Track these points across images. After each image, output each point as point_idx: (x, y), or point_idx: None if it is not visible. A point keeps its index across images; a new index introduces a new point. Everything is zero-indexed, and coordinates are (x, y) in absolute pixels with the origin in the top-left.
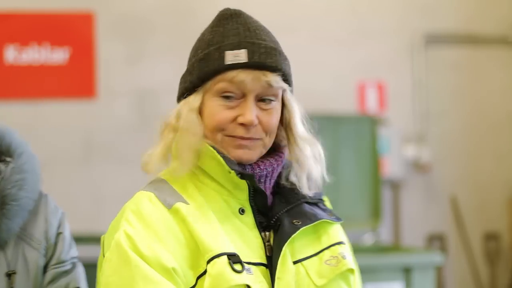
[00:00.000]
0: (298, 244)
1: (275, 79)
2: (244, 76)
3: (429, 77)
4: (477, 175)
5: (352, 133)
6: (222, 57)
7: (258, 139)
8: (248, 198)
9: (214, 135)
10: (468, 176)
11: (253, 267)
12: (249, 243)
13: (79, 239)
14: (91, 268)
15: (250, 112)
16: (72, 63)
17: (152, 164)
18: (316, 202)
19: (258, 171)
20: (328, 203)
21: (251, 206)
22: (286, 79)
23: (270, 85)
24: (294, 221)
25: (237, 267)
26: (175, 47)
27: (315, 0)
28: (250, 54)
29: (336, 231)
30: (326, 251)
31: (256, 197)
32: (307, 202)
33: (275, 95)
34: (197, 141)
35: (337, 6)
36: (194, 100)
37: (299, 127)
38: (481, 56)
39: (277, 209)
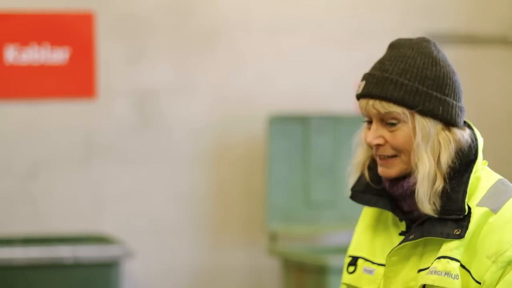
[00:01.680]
0: (427, 254)
1: (380, 106)
2: (361, 104)
3: None
4: None
5: (352, 133)
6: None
7: (392, 156)
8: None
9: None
10: None
11: (380, 268)
12: (392, 248)
13: (79, 239)
14: (91, 268)
15: (370, 134)
16: (72, 63)
17: None
18: (446, 218)
19: (394, 189)
20: (477, 214)
21: (403, 218)
22: (404, 104)
23: (378, 111)
24: (411, 236)
25: (350, 268)
26: (175, 47)
27: (315, 0)
28: (365, 85)
29: (447, 245)
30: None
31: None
32: (434, 218)
33: (395, 118)
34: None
35: (337, 6)
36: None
37: (418, 148)
38: (481, 56)
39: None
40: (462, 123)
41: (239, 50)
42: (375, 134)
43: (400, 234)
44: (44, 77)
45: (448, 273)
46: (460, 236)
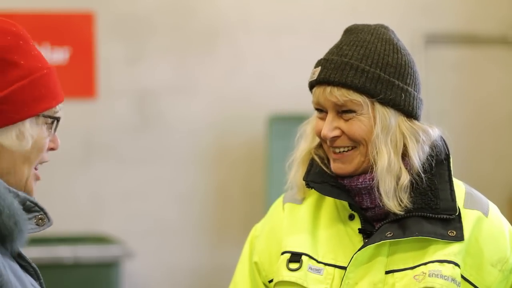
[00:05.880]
0: (399, 255)
1: (340, 93)
2: (317, 93)
3: (429, 77)
4: (477, 175)
5: None
6: (311, 74)
7: (348, 150)
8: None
9: (324, 144)
10: (467, 176)
11: (329, 269)
12: (346, 247)
13: (79, 239)
14: (91, 268)
15: (326, 126)
16: (72, 63)
17: None
18: (438, 217)
19: (354, 184)
20: (471, 218)
21: (360, 214)
22: (365, 91)
23: (337, 99)
24: (387, 233)
25: (293, 265)
26: (175, 47)
27: (315, 0)
28: (321, 71)
29: (448, 249)
30: (422, 267)
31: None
32: (423, 216)
33: (353, 107)
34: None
35: (337, 6)
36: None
37: (378, 140)
38: (481, 56)
39: (386, 219)
40: (421, 116)
41: (239, 50)
42: (331, 125)
43: (360, 232)
44: None
45: (454, 279)
46: (457, 238)
